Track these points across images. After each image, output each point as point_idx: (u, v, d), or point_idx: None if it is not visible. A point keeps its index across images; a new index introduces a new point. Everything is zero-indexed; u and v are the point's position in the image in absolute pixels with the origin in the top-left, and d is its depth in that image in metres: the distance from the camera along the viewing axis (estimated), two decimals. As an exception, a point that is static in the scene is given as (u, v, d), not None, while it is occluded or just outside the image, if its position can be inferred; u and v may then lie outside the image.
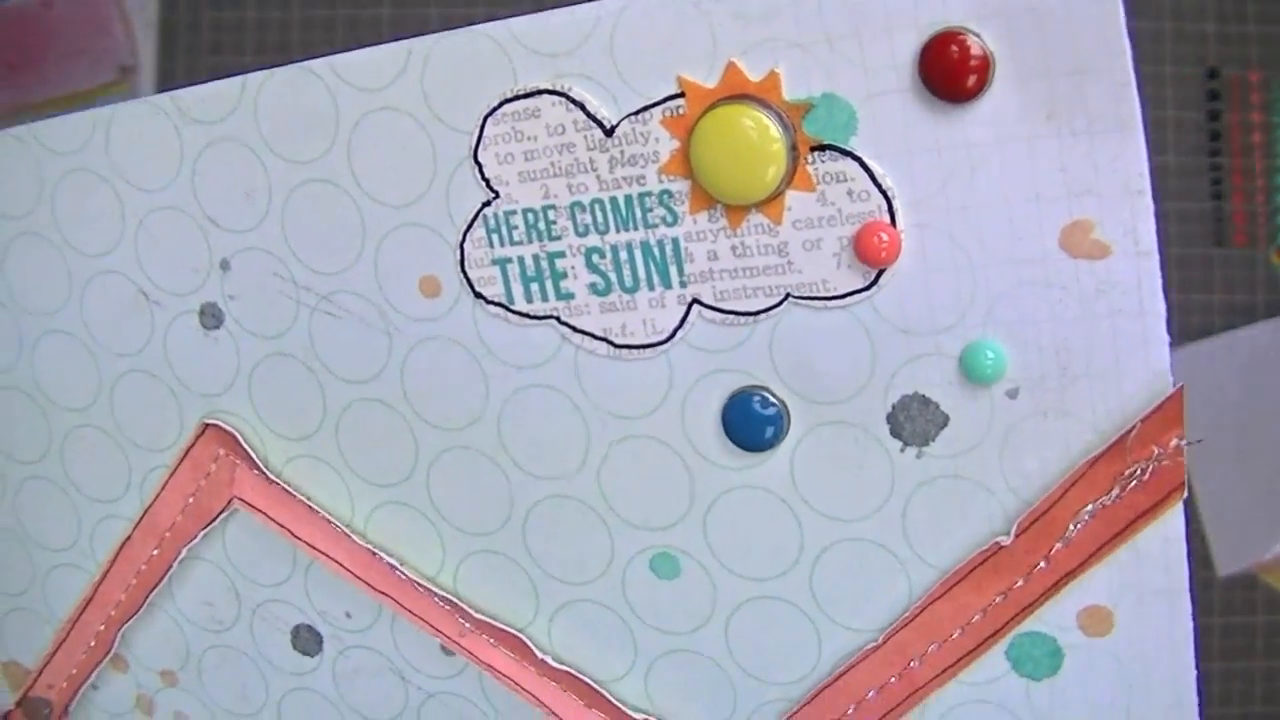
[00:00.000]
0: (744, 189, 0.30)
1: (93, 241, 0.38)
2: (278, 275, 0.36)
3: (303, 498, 0.37)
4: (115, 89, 0.69)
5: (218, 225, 0.36)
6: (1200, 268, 0.78)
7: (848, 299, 0.30)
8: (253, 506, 0.38)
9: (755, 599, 0.34)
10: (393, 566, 0.37)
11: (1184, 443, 0.28)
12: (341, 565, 0.37)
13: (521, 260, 0.33)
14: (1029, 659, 0.32)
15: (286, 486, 0.37)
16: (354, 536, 0.37)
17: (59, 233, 0.38)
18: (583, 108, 0.31)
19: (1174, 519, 0.29)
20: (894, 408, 0.31)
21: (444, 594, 0.36)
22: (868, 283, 0.30)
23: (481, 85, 0.32)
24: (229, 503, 0.38)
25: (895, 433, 0.31)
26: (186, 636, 0.42)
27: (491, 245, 0.33)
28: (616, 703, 0.36)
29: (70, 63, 0.70)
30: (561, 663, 0.36)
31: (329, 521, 0.37)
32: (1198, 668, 0.30)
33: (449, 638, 0.37)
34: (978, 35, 0.27)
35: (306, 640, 0.40)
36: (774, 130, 0.29)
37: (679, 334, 0.32)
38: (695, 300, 0.31)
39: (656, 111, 0.30)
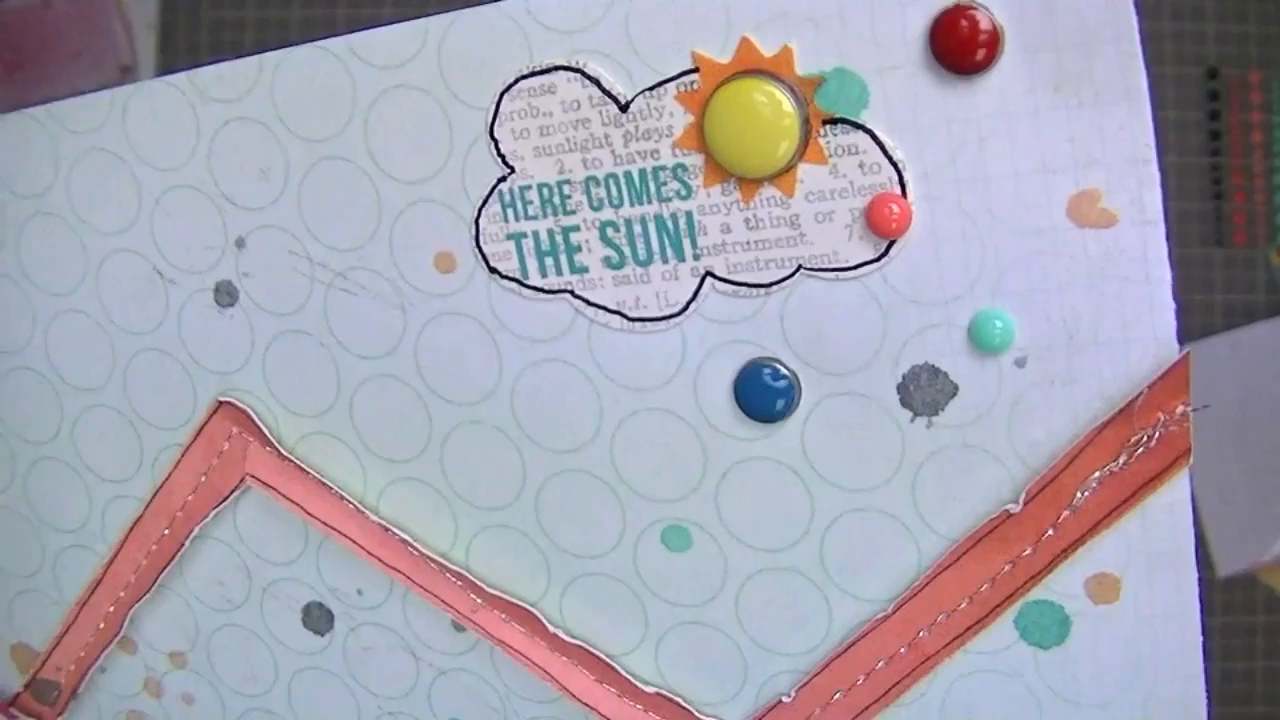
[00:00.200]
0: (757, 162, 0.30)
1: (109, 220, 0.38)
2: (293, 252, 0.36)
3: (315, 474, 0.38)
4: (115, 89, 0.69)
5: (234, 203, 0.36)
6: (1200, 268, 0.79)
7: (859, 270, 0.31)
8: (265, 484, 0.38)
9: (766, 570, 0.34)
10: (405, 542, 0.37)
11: (1190, 409, 0.29)
12: (354, 542, 0.38)
13: (536, 235, 0.33)
14: (1037, 628, 0.32)
15: (299, 463, 0.38)
16: (366, 513, 0.37)
17: (75, 212, 0.39)
18: (598, 84, 0.31)
19: (1180, 485, 0.30)
20: (904, 378, 0.31)
21: (456, 569, 0.37)
22: (878, 254, 0.30)
23: (497, 62, 0.32)
24: (241, 480, 0.39)
25: (905, 403, 0.31)
26: (196, 616, 0.42)
27: (506, 220, 0.33)
28: (627, 676, 0.36)
29: (70, 63, 0.71)
30: (573, 637, 0.36)
31: (342, 498, 0.37)
32: (1204, 634, 0.31)
33: (461, 614, 0.37)
34: (987, 9, 0.28)
35: (317, 618, 0.40)
36: (787, 104, 0.30)
37: (692, 306, 0.32)
38: (708, 273, 0.32)
39: (671, 87, 0.31)
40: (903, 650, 0.33)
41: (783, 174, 0.30)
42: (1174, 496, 0.30)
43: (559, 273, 0.33)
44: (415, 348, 0.36)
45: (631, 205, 0.32)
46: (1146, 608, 0.31)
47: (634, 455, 0.34)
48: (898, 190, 0.30)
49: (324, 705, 0.41)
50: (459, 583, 0.37)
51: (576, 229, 0.33)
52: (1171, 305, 0.29)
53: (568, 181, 0.32)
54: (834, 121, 0.30)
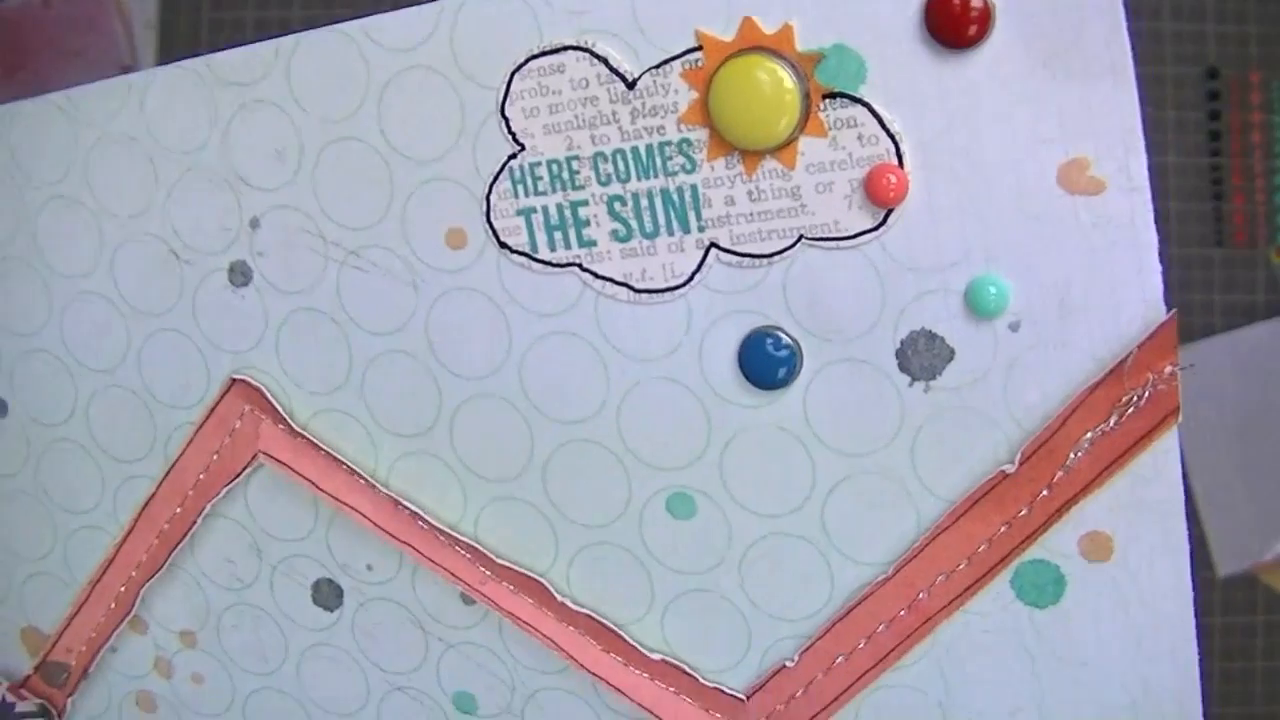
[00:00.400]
0: (759, 136, 0.32)
1: (125, 204, 0.39)
2: (306, 232, 0.37)
3: (327, 450, 0.39)
4: (114, 89, 0.70)
5: (249, 184, 0.38)
6: (1200, 268, 0.80)
7: (858, 239, 0.32)
8: (277, 460, 0.39)
9: (769, 536, 0.35)
10: (415, 516, 0.38)
11: (1178, 368, 0.30)
12: (365, 516, 0.38)
13: (546, 210, 0.34)
14: (1033, 587, 0.33)
15: (312, 439, 0.39)
16: (378, 487, 0.38)
17: (92, 196, 0.40)
18: (606, 62, 0.33)
19: (1169, 444, 0.31)
20: (902, 343, 0.32)
21: (466, 541, 0.38)
22: (877, 223, 0.32)
23: (508, 43, 0.34)
24: (254, 458, 0.40)
25: (904, 368, 0.33)
26: (207, 595, 0.43)
27: (517, 196, 0.35)
28: (634, 644, 0.37)
29: (70, 63, 0.72)
30: (580, 607, 0.37)
31: (353, 473, 0.38)
32: (1195, 590, 0.32)
33: (470, 586, 0.38)
34: (979, -15, 0.29)
35: (327, 595, 0.41)
36: (788, 80, 0.31)
37: (697, 277, 0.34)
38: (713, 244, 0.33)
39: (676, 64, 0.32)
40: (903, 612, 0.34)
41: (784, 147, 0.32)
42: (1164, 456, 0.31)
43: (568, 246, 0.34)
44: (426, 323, 0.37)
45: (638, 179, 0.33)
46: (1138, 566, 0.32)
47: (640, 425, 0.35)
48: (895, 161, 0.31)
49: (333, 682, 0.42)
50: (468, 555, 0.38)
51: (585, 203, 0.34)
52: (1158, 268, 0.30)
53: (576, 157, 0.34)
54: (833, 96, 0.31)
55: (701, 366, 0.34)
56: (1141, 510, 0.32)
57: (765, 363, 0.34)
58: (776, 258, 0.33)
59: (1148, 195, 0.30)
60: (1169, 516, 0.32)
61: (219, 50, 0.37)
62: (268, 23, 0.73)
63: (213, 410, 0.40)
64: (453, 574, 0.38)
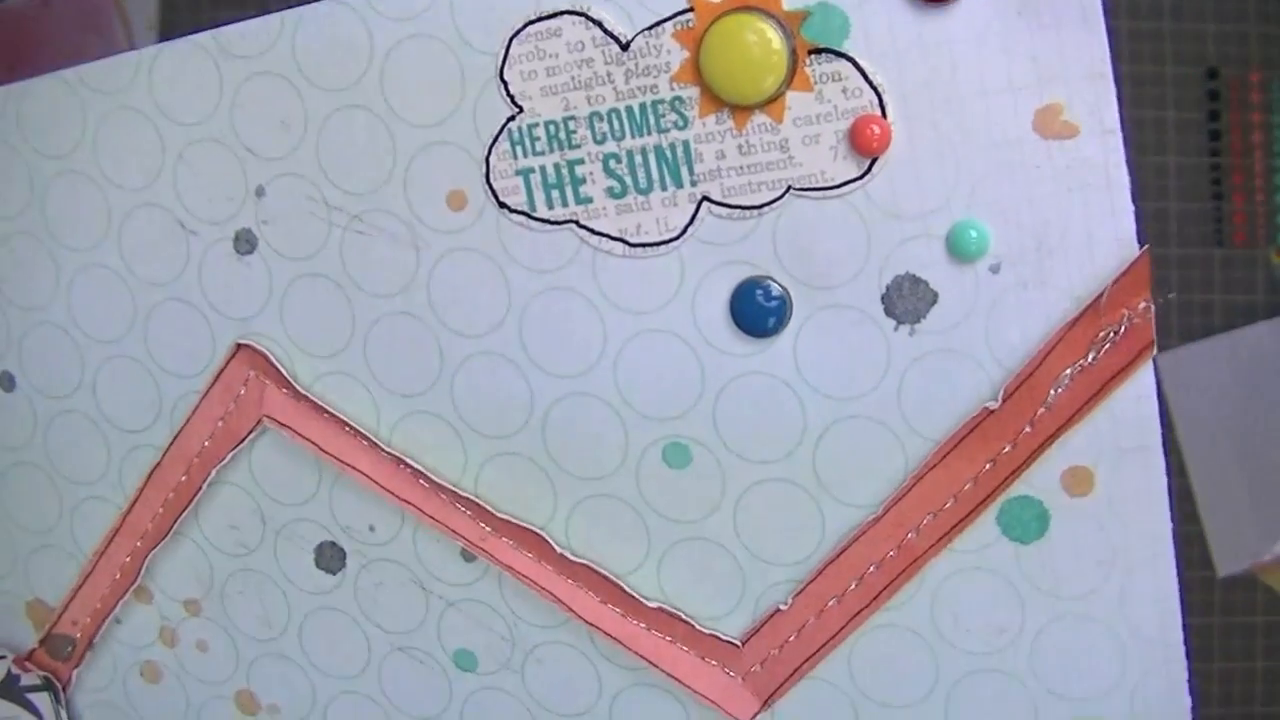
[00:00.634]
0: (749, 92, 0.33)
1: (133, 176, 0.41)
2: (310, 198, 0.39)
3: (331, 411, 0.40)
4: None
5: (254, 154, 0.39)
6: (1200, 268, 0.81)
7: (844, 188, 0.33)
8: (281, 424, 0.40)
9: (762, 482, 0.36)
10: (417, 474, 0.39)
11: (1152, 304, 0.32)
12: (367, 476, 0.39)
13: (543, 169, 0.36)
14: (1018, 523, 0.35)
15: (316, 401, 0.40)
16: (380, 446, 0.39)
17: (100, 169, 0.41)
18: (600, 25, 0.34)
19: (1145, 378, 0.32)
20: (888, 288, 0.34)
21: (466, 497, 0.39)
22: (862, 172, 0.33)
23: (506, 9, 0.35)
24: (258, 422, 0.41)
25: (889, 312, 0.34)
26: (211, 562, 0.44)
27: (515, 157, 0.36)
28: (631, 594, 0.38)
29: (69, 62, 0.73)
30: (579, 558, 0.38)
31: (356, 434, 0.40)
32: (1174, 522, 0.33)
33: (470, 542, 0.39)
34: (955, -58, 0.31)
35: (330, 558, 0.42)
36: (775, 38, 0.33)
37: (689, 230, 0.35)
38: (705, 198, 0.35)
39: (668, 25, 0.34)
40: (892, 553, 0.36)
41: (772, 102, 0.33)
42: (1140, 390, 0.33)
43: (565, 204, 0.36)
44: (428, 284, 0.38)
45: (632, 137, 0.35)
46: (1118, 499, 0.34)
47: (636, 376, 0.37)
48: (878, 112, 0.33)
49: (335, 644, 0.43)
50: (469, 512, 0.39)
51: (581, 162, 0.35)
52: (1131, 208, 0.32)
53: (573, 118, 0.35)
54: (818, 51, 0.33)
55: (695, 317, 0.36)
56: (1121, 444, 0.33)
57: (756, 312, 0.35)
58: (766, 209, 0.34)
59: (1119, 137, 0.31)
60: (1147, 450, 0.33)
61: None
62: (266, 24, 0.74)
63: (218, 377, 0.41)
64: (454, 531, 0.39)
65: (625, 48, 0.34)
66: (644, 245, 0.35)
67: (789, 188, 0.34)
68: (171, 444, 0.42)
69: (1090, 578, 0.34)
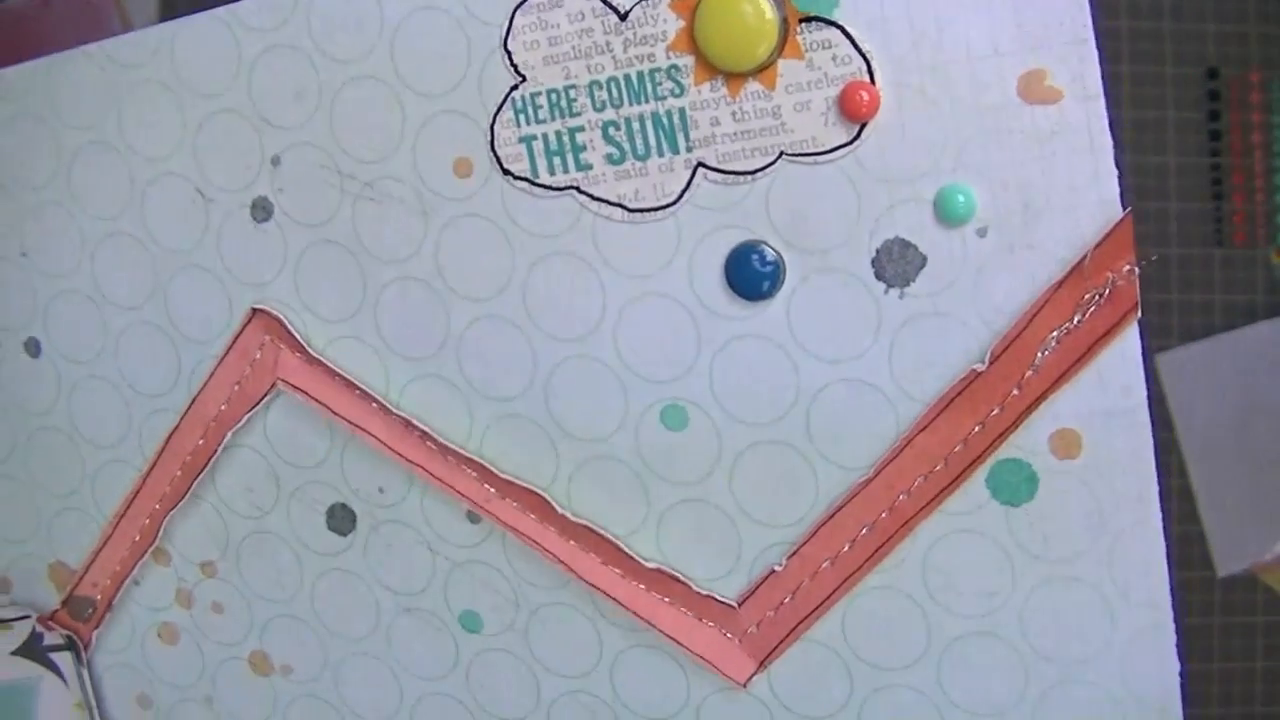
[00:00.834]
0: (742, 60, 0.35)
1: (155, 146, 0.43)
2: (324, 167, 0.41)
3: (342, 375, 0.42)
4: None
5: (270, 124, 0.41)
6: (1200, 268, 0.82)
7: (834, 153, 0.35)
8: (295, 387, 0.43)
9: (757, 444, 0.38)
10: (424, 436, 0.41)
11: (1136, 266, 0.33)
12: (377, 438, 0.42)
13: (545, 137, 0.38)
14: (1007, 485, 0.36)
15: (328, 364, 0.42)
16: (390, 408, 0.42)
17: (124, 140, 0.44)
18: (600, -4, 0.36)
19: (1130, 340, 0.34)
20: (877, 252, 0.36)
21: (472, 458, 0.41)
22: (851, 137, 0.35)
23: (511, -19, 0.37)
24: (272, 386, 0.43)
25: (879, 275, 0.36)
26: (227, 524, 0.46)
27: (519, 125, 0.38)
28: (631, 554, 0.40)
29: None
30: (580, 519, 0.40)
31: (366, 396, 0.42)
32: (1160, 482, 0.35)
33: (475, 503, 0.41)
34: (941, -89, 0.33)
35: (341, 519, 0.44)
36: (767, 7, 0.35)
37: (685, 196, 0.37)
38: (700, 164, 0.37)
39: (665, -4, 0.36)
40: (884, 515, 0.37)
41: (765, 69, 0.35)
42: (1126, 352, 0.34)
43: (566, 170, 0.38)
44: (436, 249, 0.40)
45: (630, 105, 0.37)
46: (1105, 461, 0.35)
47: (634, 339, 0.39)
48: (867, 78, 0.34)
49: (345, 605, 0.45)
50: (475, 473, 0.41)
51: (581, 129, 0.37)
52: (1114, 171, 0.33)
53: (574, 86, 0.37)
54: (809, 20, 0.35)
55: (691, 281, 0.38)
56: (1108, 406, 0.34)
57: (751, 276, 0.37)
58: (760, 174, 0.36)
59: (1102, 102, 0.33)
60: (1134, 412, 0.34)
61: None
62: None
63: (235, 341, 0.43)
64: (460, 492, 0.41)
65: (624, 18, 0.36)
66: (642, 210, 0.37)
67: (781, 153, 0.36)
68: (189, 408, 0.45)
69: (1078, 540, 0.36)
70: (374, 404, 0.42)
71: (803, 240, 0.36)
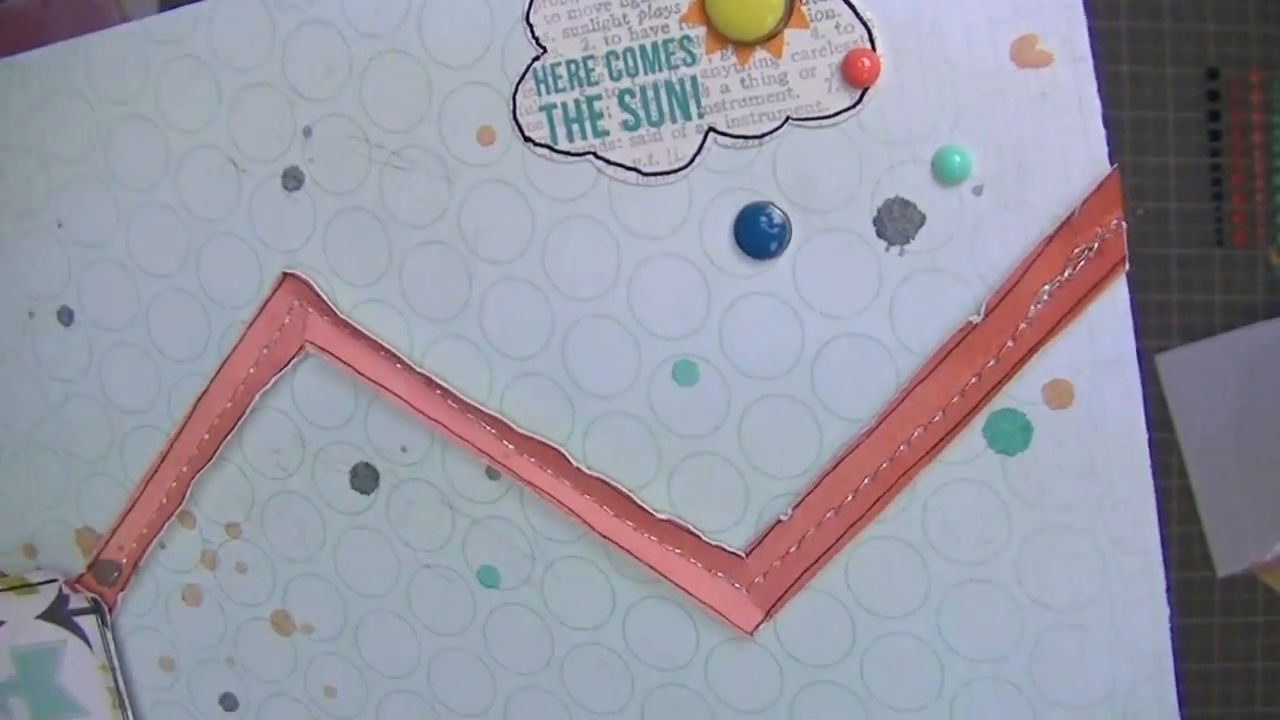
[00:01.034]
0: (750, 29, 0.38)
1: (190, 119, 0.47)
2: (353, 137, 0.44)
3: (369, 336, 0.45)
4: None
5: (302, 96, 0.45)
6: (1200, 268, 0.84)
7: (838, 117, 0.38)
8: (322, 349, 0.46)
9: (764, 398, 0.41)
10: (446, 394, 0.44)
11: (1123, 221, 0.36)
12: (401, 398, 0.45)
13: (564, 105, 0.41)
14: (1003, 435, 0.39)
15: (355, 326, 0.45)
16: (414, 367, 0.45)
17: (160, 113, 0.47)
18: (617, -29, 0.40)
19: (1119, 293, 0.37)
20: (879, 212, 0.39)
21: (492, 415, 0.44)
22: (854, 102, 0.38)
23: (533, -42, 0.41)
24: (300, 348, 0.46)
25: (880, 234, 0.39)
26: (252, 485, 0.49)
27: (539, 94, 0.41)
28: (643, 506, 0.43)
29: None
30: (595, 472, 0.43)
31: (391, 357, 0.45)
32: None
33: (494, 459, 0.44)
34: (938, -112, 0.36)
35: (364, 478, 0.47)
36: (776, -20, 0.38)
37: (697, 159, 0.40)
38: (711, 129, 0.40)
39: (679, -30, 0.39)
40: (885, 465, 0.40)
41: (772, 38, 0.38)
42: (1115, 304, 0.37)
43: (584, 137, 0.41)
44: (459, 214, 0.43)
45: (645, 74, 0.40)
46: (1097, 411, 0.38)
47: (647, 297, 0.42)
48: (869, 46, 0.37)
49: (367, 563, 0.48)
50: (494, 430, 0.44)
51: (599, 98, 0.41)
52: (1103, 131, 0.36)
53: (591, 57, 0.40)
54: (815, -9, 0.38)
55: (702, 241, 0.41)
56: (1097, 357, 0.37)
57: (759, 236, 0.40)
58: (767, 138, 0.39)
59: (1090, 64, 0.36)
60: (1123, 362, 0.37)
61: None
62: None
63: (265, 305, 0.46)
64: (480, 449, 0.44)
65: (640, -9, 0.40)
66: (656, 174, 0.41)
67: (787, 118, 0.39)
68: (218, 371, 0.48)
69: (1072, 488, 0.39)
70: (398, 364, 0.45)
71: (808, 201, 0.39)
